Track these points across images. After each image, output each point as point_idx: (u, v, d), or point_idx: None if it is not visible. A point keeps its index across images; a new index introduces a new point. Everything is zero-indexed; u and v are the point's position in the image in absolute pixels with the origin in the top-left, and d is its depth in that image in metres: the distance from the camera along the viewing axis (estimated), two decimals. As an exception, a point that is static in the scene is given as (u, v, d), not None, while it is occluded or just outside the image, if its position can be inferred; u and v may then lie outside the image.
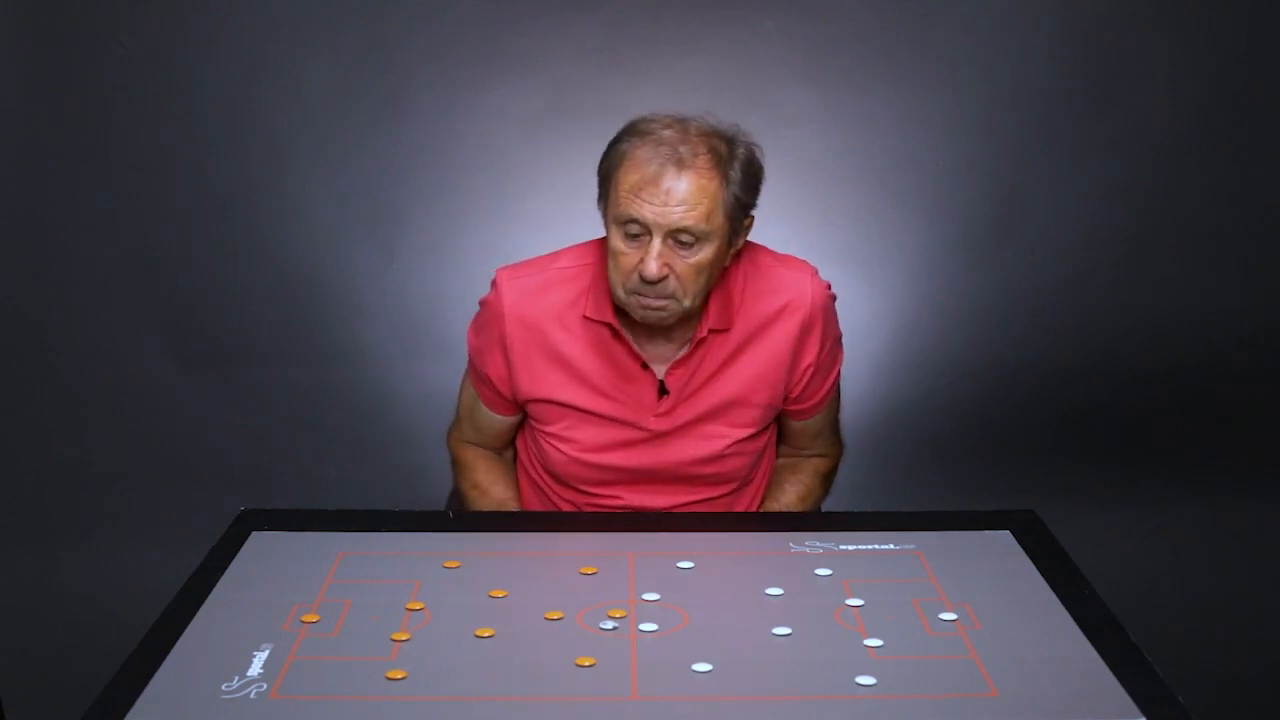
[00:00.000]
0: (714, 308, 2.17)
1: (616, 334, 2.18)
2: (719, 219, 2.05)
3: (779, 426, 2.38)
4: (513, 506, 2.32)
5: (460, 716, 1.56)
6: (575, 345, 2.20)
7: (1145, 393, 3.75)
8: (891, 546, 2.00)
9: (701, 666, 1.64)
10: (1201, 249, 3.76)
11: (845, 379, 2.37)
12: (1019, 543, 2.02)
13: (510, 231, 3.60)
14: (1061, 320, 3.76)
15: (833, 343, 2.27)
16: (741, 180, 2.07)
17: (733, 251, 2.13)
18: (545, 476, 2.32)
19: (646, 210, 2.03)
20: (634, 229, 2.05)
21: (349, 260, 3.74)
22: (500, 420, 2.33)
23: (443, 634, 1.73)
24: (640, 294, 2.08)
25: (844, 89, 3.73)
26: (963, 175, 3.75)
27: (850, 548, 2.00)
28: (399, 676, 1.62)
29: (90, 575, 3.38)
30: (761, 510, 2.33)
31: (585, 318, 2.19)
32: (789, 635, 1.73)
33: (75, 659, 2.91)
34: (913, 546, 2.00)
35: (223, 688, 1.60)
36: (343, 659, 1.67)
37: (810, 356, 2.23)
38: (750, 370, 2.21)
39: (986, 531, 2.06)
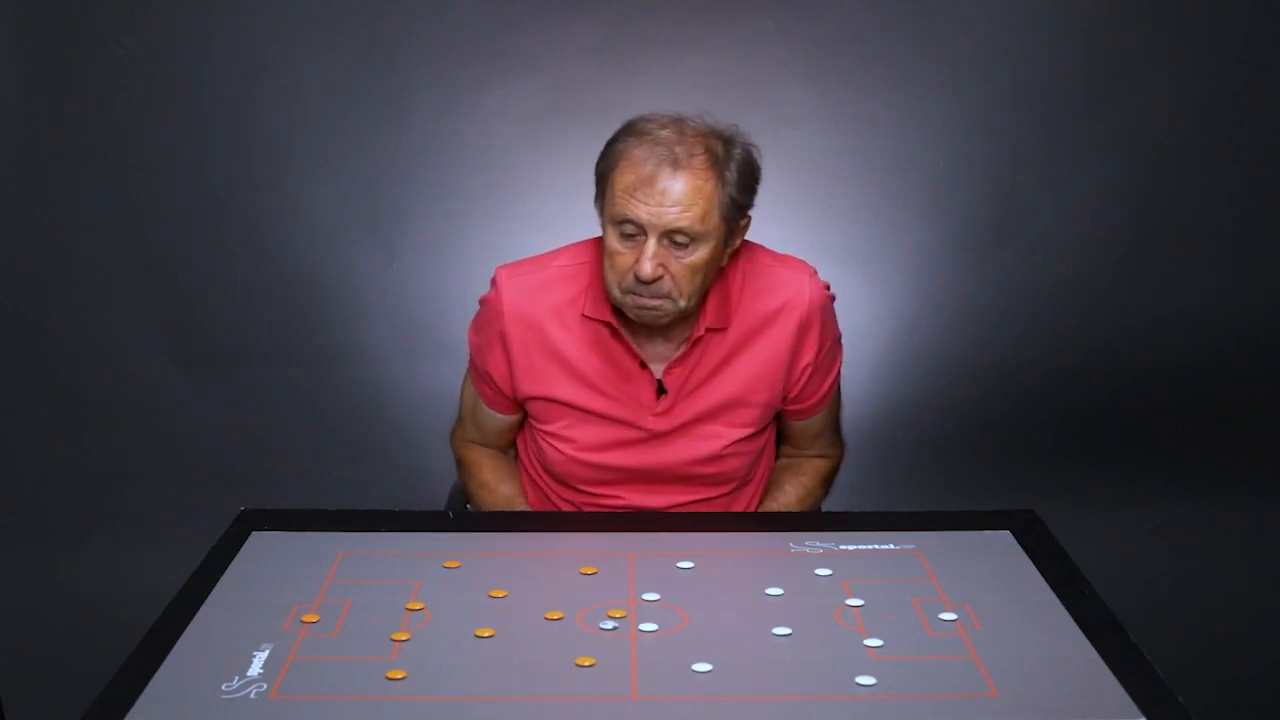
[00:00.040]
0: (711, 306, 2.17)
1: (615, 333, 2.18)
2: (714, 220, 2.05)
3: (780, 426, 2.38)
4: (520, 503, 2.32)
5: (460, 716, 1.56)
6: (574, 343, 2.20)
7: (1145, 393, 3.75)
8: (891, 546, 2.00)
9: (701, 666, 1.64)
10: (1201, 249, 3.76)
11: (845, 379, 2.37)
12: (1019, 543, 2.02)
13: (510, 231, 3.60)
14: (1061, 320, 3.76)
15: (831, 343, 2.27)
16: (737, 181, 2.07)
17: (729, 251, 2.13)
18: (545, 476, 2.33)
19: (641, 211, 2.03)
20: (629, 229, 2.05)
21: (349, 260, 3.74)
22: (502, 419, 2.33)
23: (443, 634, 1.73)
24: (635, 294, 2.08)
25: (844, 89, 3.73)
26: (963, 175, 3.75)
27: (850, 548, 2.00)
28: (399, 676, 1.62)
29: (90, 575, 3.38)
30: (760, 510, 2.33)
31: (584, 316, 2.19)
32: (789, 635, 1.73)
33: (75, 659, 2.91)
34: (913, 546, 2.00)
35: (223, 688, 1.60)
36: (343, 659, 1.67)
37: (808, 356, 2.23)
38: (748, 370, 2.21)
39: (986, 531, 2.06)
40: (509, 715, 1.56)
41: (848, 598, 1.83)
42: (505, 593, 1.85)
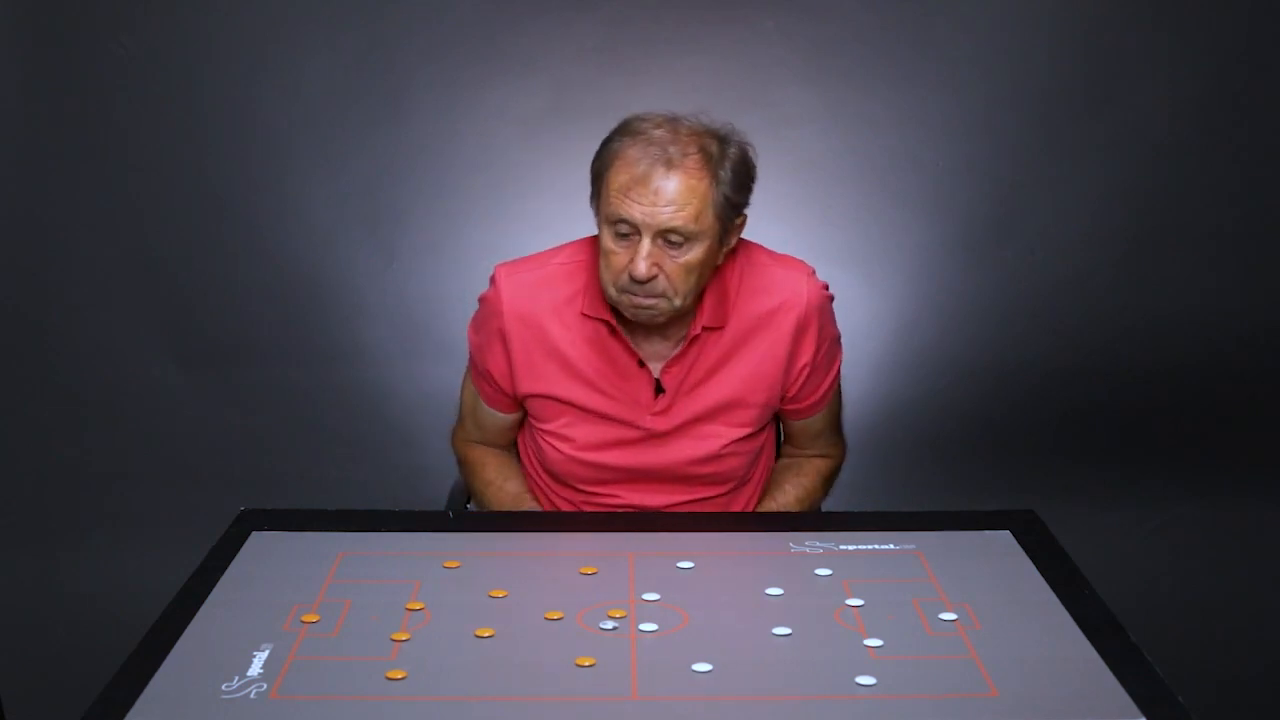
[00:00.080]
0: (708, 305, 2.17)
1: (613, 331, 2.18)
2: (708, 219, 2.05)
3: (782, 426, 2.38)
4: (528, 500, 2.32)
5: (460, 716, 1.56)
6: (573, 341, 2.20)
7: (1145, 393, 3.75)
8: (891, 546, 2.00)
9: (701, 666, 1.64)
10: (1201, 249, 3.76)
11: (845, 379, 2.36)
12: (1019, 543, 2.02)
13: (510, 231, 3.60)
14: (1061, 320, 3.76)
15: (830, 343, 2.27)
16: (732, 180, 2.07)
17: (725, 250, 2.13)
18: (544, 476, 2.33)
19: (635, 210, 2.03)
20: (624, 228, 2.05)
21: (349, 260, 3.74)
22: (502, 418, 2.33)
23: (443, 634, 1.73)
24: (631, 293, 2.08)
25: (844, 89, 3.74)
26: (963, 175, 3.75)
27: (850, 548, 2.00)
28: (399, 676, 1.62)
29: (90, 575, 3.38)
30: (759, 509, 2.33)
31: (582, 314, 2.19)
32: (789, 635, 1.73)
33: (75, 659, 2.91)
34: (913, 546, 2.00)
35: (223, 688, 1.60)
36: (343, 659, 1.67)
37: (806, 356, 2.23)
38: (746, 369, 2.21)
39: (986, 531, 2.06)
40: (509, 715, 1.56)
41: (848, 598, 1.83)
42: (505, 593, 1.84)
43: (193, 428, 3.70)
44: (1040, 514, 2.12)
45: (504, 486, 2.33)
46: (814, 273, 2.24)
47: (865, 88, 3.73)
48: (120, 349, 3.70)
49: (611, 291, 2.10)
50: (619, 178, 2.04)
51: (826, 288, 2.25)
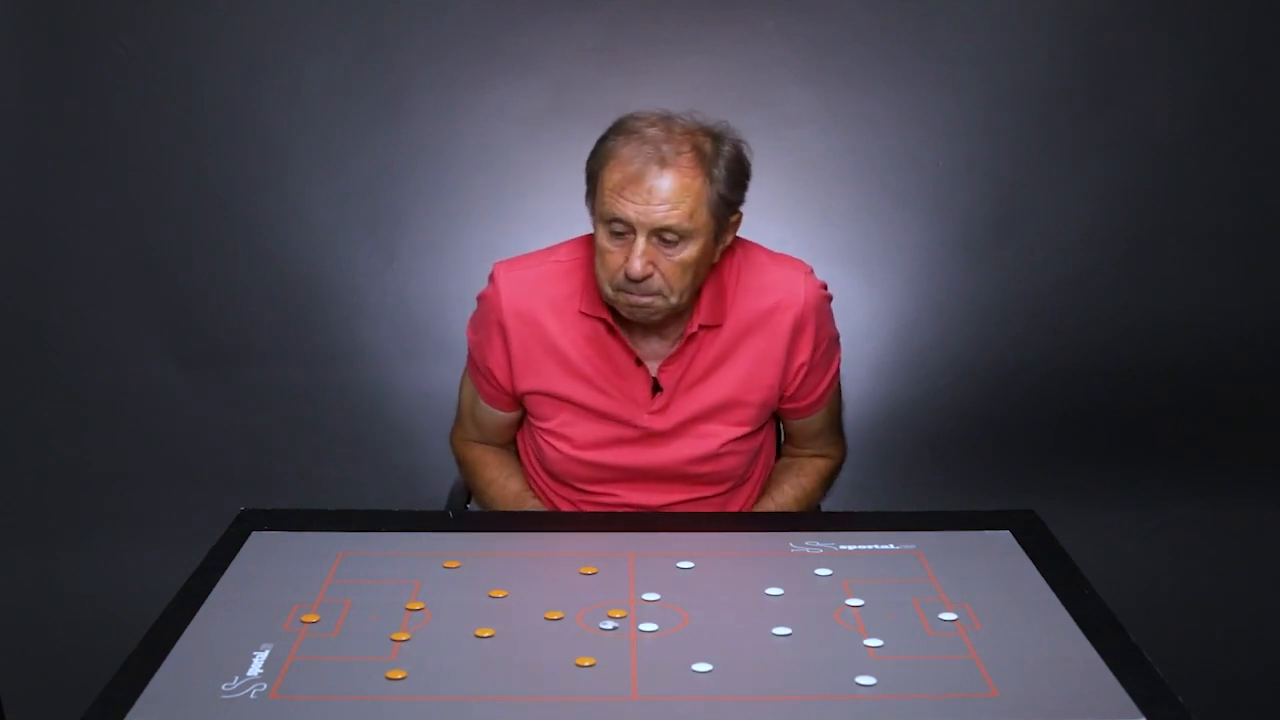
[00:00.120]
0: (705, 303, 2.17)
1: (611, 329, 2.18)
2: (703, 217, 2.05)
3: (782, 426, 2.38)
4: (530, 498, 2.32)
5: (460, 716, 1.56)
6: (570, 339, 2.20)
7: (1145, 393, 3.75)
8: (891, 546, 2.00)
9: (701, 666, 1.64)
10: (1201, 249, 3.76)
11: (845, 379, 2.36)
12: (1019, 543, 2.02)
13: (510, 231, 3.60)
14: (1061, 320, 3.76)
15: (828, 342, 2.27)
16: (726, 178, 2.07)
17: (720, 248, 2.13)
18: (543, 475, 2.33)
19: (630, 209, 2.03)
20: (619, 227, 2.06)
21: (349, 260, 3.74)
22: (501, 416, 2.33)
23: (443, 634, 1.73)
24: (627, 291, 2.08)
25: (844, 89, 3.73)
26: (963, 175, 3.75)
27: (850, 548, 2.00)
28: (399, 676, 1.62)
29: (90, 575, 3.38)
30: (757, 509, 2.33)
31: (580, 312, 2.19)
32: (789, 635, 1.73)
33: (75, 659, 2.91)
34: (913, 546, 2.00)
35: (223, 688, 1.60)
36: (343, 659, 1.67)
37: (803, 355, 2.23)
38: (744, 368, 2.21)
39: (986, 531, 2.06)
40: (509, 715, 1.56)
41: (848, 598, 1.83)
42: (505, 593, 1.84)
43: (193, 428, 3.70)
44: (1040, 514, 2.12)
45: (506, 485, 2.33)
46: (812, 272, 2.24)
47: (865, 88, 3.73)
48: (120, 349, 3.70)
49: (607, 290, 2.10)
50: (613, 176, 2.04)
51: (825, 287, 2.25)
